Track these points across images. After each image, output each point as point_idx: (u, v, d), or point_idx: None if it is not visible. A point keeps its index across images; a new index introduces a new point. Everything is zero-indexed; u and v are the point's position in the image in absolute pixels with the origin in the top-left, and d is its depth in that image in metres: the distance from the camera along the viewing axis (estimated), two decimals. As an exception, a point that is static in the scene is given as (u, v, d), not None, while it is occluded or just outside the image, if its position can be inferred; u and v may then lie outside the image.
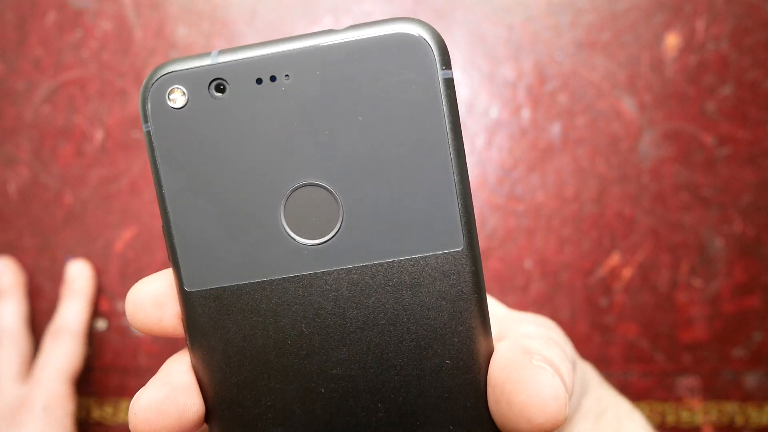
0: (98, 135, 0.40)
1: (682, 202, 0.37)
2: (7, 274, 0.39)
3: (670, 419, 0.37)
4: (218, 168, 0.17)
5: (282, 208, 0.17)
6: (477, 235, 0.17)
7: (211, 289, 0.17)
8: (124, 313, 0.39)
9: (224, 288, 0.17)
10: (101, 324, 0.39)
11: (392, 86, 0.16)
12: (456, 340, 0.17)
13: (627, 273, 0.37)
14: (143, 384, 0.18)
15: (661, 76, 0.37)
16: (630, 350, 0.37)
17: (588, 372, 0.26)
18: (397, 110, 0.16)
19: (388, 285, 0.17)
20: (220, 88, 0.16)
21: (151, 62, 0.39)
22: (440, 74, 0.16)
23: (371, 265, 0.17)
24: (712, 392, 0.37)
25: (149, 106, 0.17)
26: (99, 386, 0.39)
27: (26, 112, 0.40)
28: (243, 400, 0.17)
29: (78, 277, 0.38)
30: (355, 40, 0.16)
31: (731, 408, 0.37)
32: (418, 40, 0.16)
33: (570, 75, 0.38)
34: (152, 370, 0.39)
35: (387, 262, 0.17)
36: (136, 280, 0.40)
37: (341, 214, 0.17)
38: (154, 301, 0.18)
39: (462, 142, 0.16)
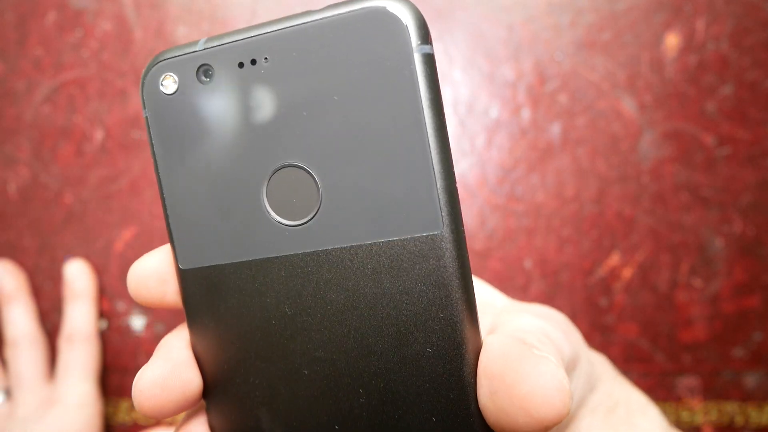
0: (98, 135, 0.40)
1: (682, 202, 0.37)
2: (9, 277, 0.39)
3: (670, 419, 0.37)
4: (206, 150, 0.17)
5: (264, 189, 0.17)
6: (461, 218, 0.16)
7: (202, 267, 0.18)
8: (124, 313, 0.39)
9: (213, 267, 0.17)
10: (101, 324, 0.40)
11: (366, 64, 0.16)
12: (437, 327, 0.16)
13: (627, 273, 0.37)
14: None
15: (661, 76, 0.37)
16: (630, 350, 0.37)
17: (600, 365, 0.25)
18: (372, 89, 0.16)
19: (367, 268, 0.16)
20: (208, 74, 0.17)
21: (151, 62, 0.39)
22: (416, 50, 0.15)
23: (350, 247, 0.16)
24: (712, 392, 0.37)
25: (146, 93, 0.18)
26: (98, 386, 0.39)
27: (26, 112, 0.40)
28: (233, 377, 0.18)
29: (78, 278, 0.38)
30: (328, 20, 0.16)
31: (731, 408, 0.37)
32: (390, 15, 0.15)
33: (570, 75, 0.38)
34: (152, 370, 0.39)
35: (366, 245, 0.16)
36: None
37: (320, 195, 0.16)
38: (156, 276, 0.18)
39: (443, 120, 0.16)
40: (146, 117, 0.18)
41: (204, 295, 0.18)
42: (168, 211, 0.18)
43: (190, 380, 0.18)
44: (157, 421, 0.39)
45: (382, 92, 0.16)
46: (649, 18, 0.37)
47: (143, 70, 0.18)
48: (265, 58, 0.16)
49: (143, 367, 0.18)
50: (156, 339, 0.39)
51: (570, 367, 0.20)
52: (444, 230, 0.16)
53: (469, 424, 0.16)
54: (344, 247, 0.16)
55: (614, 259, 0.37)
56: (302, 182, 0.17)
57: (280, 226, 0.17)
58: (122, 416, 0.39)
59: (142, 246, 0.39)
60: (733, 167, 0.37)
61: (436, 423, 0.16)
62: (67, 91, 0.40)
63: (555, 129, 0.38)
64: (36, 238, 0.40)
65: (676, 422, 0.37)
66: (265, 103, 0.17)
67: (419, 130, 0.16)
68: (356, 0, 0.16)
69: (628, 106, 0.37)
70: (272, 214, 0.17)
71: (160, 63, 0.17)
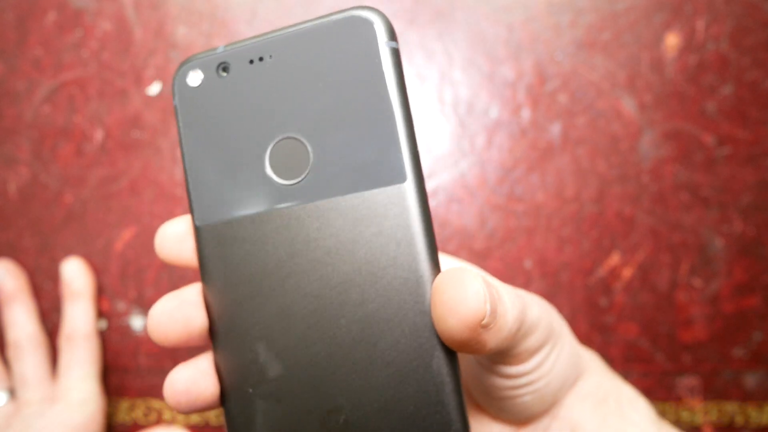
0: (98, 135, 0.40)
1: (682, 202, 0.37)
2: (10, 278, 0.39)
3: (670, 419, 0.37)
4: (223, 127, 0.22)
5: (267, 156, 0.21)
6: (422, 171, 0.20)
7: (214, 223, 0.22)
8: (124, 313, 0.39)
9: (223, 222, 0.21)
10: (101, 324, 0.40)
11: (346, 56, 0.20)
12: (404, 261, 0.20)
13: (627, 273, 0.37)
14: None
15: (661, 76, 0.37)
16: (630, 350, 0.37)
17: (589, 358, 0.27)
18: (351, 75, 0.20)
19: (348, 216, 0.20)
20: (225, 69, 0.22)
21: (151, 62, 0.39)
22: (385, 44, 0.20)
23: (333, 199, 0.20)
24: (712, 392, 0.37)
25: (176, 86, 0.22)
26: (100, 384, 0.39)
27: (26, 112, 0.40)
28: (235, 317, 0.21)
29: (76, 278, 0.38)
30: (317, 25, 0.21)
31: (731, 408, 0.37)
32: (364, 20, 0.20)
33: (570, 75, 0.38)
34: (152, 370, 0.39)
35: (346, 197, 0.20)
36: (136, 280, 0.41)
37: (310, 159, 0.21)
38: (176, 236, 0.22)
39: (406, 96, 0.20)
40: (175, 105, 0.22)
41: (214, 247, 0.21)
42: (188, 178, 0.22)
43: (194, 317, 0.21)
44: (157, 420, 0.39)
45: (358, 77, 0.20)
46: (649, 18, 0.37)
47: (176, 70, 0.21)
48: (270, 56, 0.21)
49: (158, 300, 0.21)
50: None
51: (533, 326, 0.22)
52: (408, 182, 0.20)
53: (428, 339, 0.19)
54: (329, 200, 0.20)
55: (614, 259, 0.37)
56: (297, 150, 0.21)
57: (278, 185, 0.21)
58: (122, 416, 0.39)
59: (142, 246, 0.39)
60: (733, 167, 0.37)
61: (404, 343, 0.20)
62: (67, 91, 0.40)
63: (555, 129, 0.38)
64: (36, 238, 0.40)
65: (676, 422, 0.37)
66: (269, 90, 0.21)
67: (386, 103, 0.20)
68: (341, 11, 0.21)
69: (628, 106, 0.37)
70: (273, 176, 0.21)
71: (189, 63, 0.22)
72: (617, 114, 0.37)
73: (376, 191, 0.20)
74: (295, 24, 0.21)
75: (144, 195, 0.39)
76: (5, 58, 0.40)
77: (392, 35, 0.20)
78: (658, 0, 0.37)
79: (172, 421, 0.39)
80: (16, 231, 0.40)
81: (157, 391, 0.39)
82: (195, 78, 0.22)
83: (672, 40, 0.37)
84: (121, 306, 0.39)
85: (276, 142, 0.21)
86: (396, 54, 0.20)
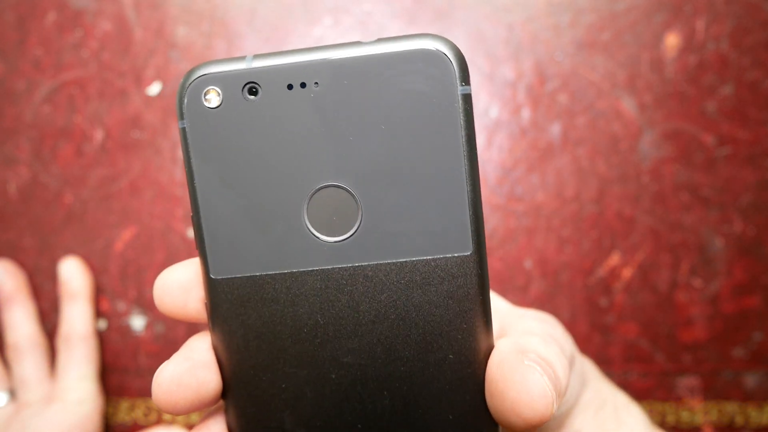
0: (98, 135, 0.40)
1: (682, 202, 0.37)
2: (9, 278, 0.39)
3: (670, 419, 0.37)
4: (248, 165, 0.18)
5: (305, 206, 0.18)
6: (485, 241, 0.18)
7: (235, 277, 0.18)
8: (124, 313, 0.39)
9: (248, 277, 0.18)
10: (101, 324, 0.40)
11: (414, 98, 0.17)
12: (459, 337, 0.18)
13: (627, 273, 0.37)
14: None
15: (661, 76, 0.37)
16: (630, 350, 0.37)
17: (587, 366, 0.27)
18: (417, 121, 0.17)
19: (400, 282, 0.18)
20: (253, 91, 0.18)
21: (151, 62, 0.39)
22: (459, 90, 0.17)
23: (385, 263, 0.18)
24: (712, 392, 0.37)
25: (185, 104, 0.18)
26: (98, 383, 0.39)
27: (26, 112, 0.40)
28: (258, 381, 0.18)
29: (73, 277, 0.38)
30: (382, 54, 0.17)
31: (731, 408, 0.37)
32: (440, 56, 0.17)
33: (570, 75, 0.38)
34: (152, 370, 0.39)
35: (400, 262, 0.18)
36: (136, 280, 0.41)
37: (360, 214, 0.18)
38: (180, 286, 0.19)
39: (476, 153, 0.18)
40: (183, 128, 0.18)
41: (234, 304, 0.18)
42: (202, 222, 0.18)
43: (207, 381, 0.18)
44: (157, 420, 0.39)
45: (427, 125, 0.17)
46: (649, 18, 0.37)
47: (182, 82, 0.18)
48: (316, 83, 0.17)
49: (164, 363, 0.18)
50: (156, 339, 0.39)
51: (570, 363, 0.21)
52: (472, 252, 0.18)
53: (480, 420, 0.18)
54: (380, 264, 0.18)
55: (614, 259, 0.37)
56: (343, 202, 0.18)
57: (318, 242, 0.18)
58: (122, 416, 0.39)
59: (142, 246, 0.39)
60: (733, 167, 0.37)
61: (452, 420, 0.18)
62: (67, 91, 0.40)
63: (555, 129, 0.38)
64: (36, 238, 0.40)
65: (676, 422, 0.37)
66: (312, 126, 0.18)
67: (458, 161, 0.17)
68: (406, 38, 0.17)
69: (628, 106, 0.37)
70: (312, 230, 0.18)
71: (204, 76, 0.18)
72: (617, 114, 0.37)
73: (435, 258, 0.18)
74: (345, 44, 0.18)
75: (144, 195, 0.39)
76: (5, 58, 0.40)
77: (467, 78, 0.17)
78: (658, 0, 0.37)
79: (172, 422, 0.39)
80: (16, 231, 0.40)
81: (157, 391, 0.39)
82: (213, 97, 0.18)
83: (672, 40, 0.37)
84: (121, 306, 0.39)
85: (317, 190, 0.18)
86: (469, 101, 0.17)
